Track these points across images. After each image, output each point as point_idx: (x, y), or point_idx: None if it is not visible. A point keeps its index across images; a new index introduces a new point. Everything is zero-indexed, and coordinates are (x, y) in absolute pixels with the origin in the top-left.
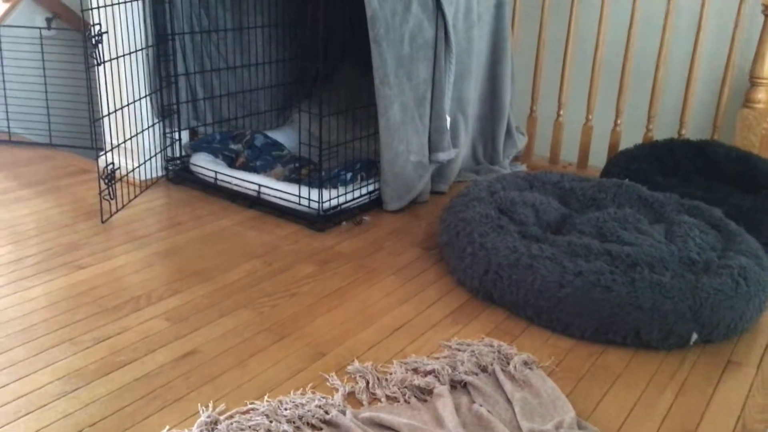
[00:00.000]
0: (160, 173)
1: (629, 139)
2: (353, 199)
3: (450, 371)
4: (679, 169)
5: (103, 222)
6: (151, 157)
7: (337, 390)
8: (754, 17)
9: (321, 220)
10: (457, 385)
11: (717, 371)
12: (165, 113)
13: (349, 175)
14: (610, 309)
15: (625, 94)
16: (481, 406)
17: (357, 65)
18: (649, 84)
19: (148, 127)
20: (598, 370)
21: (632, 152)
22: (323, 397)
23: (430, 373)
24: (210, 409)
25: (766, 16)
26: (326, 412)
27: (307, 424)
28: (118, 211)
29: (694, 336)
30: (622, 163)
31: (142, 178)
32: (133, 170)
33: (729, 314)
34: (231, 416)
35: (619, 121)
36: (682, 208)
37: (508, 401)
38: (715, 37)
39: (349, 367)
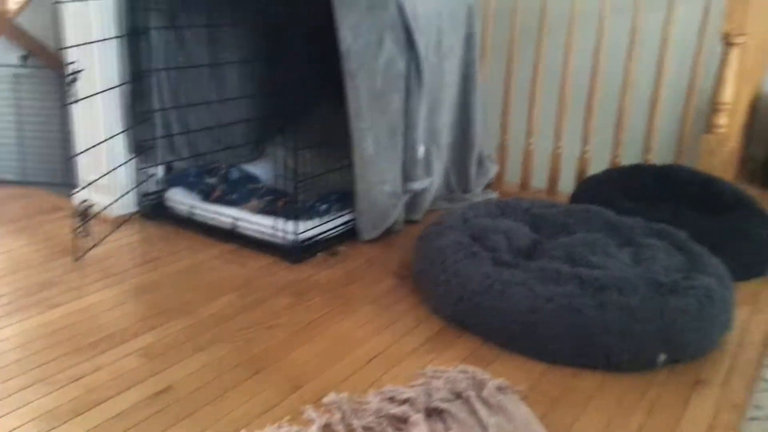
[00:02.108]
0: (134, 209)
1: (597, 165)
2: (329, 230)
3: (425, 399)
4: (646, 193)
5: (77, 259)
6: (125, 193)
7: (313, 422)
8: (715, 45)
9: (297, 252)
10: (433, 413)
11: (685, 391)
12: (140, 149)
13: (324, 207)
14: (580, 332)
15: (593, 121)
16: None
17: (331, 98)
18: (616, 111)
19: (123, 163)
20: (571, 393)
21: (600, 177)
22: (300, 430)
23: (405, 401)
24: None
25: (726, 44)
26: None
27: None
28: (92, 248)
29: (662, 357)
30: (590, 188)
31: (117, 214)
32: (107, 207)
33: (695, 335)
34: None
35: (587, 148)
36: (649, 232)
37: (483, 427)
38: (678, 64)
39: (326, 399)
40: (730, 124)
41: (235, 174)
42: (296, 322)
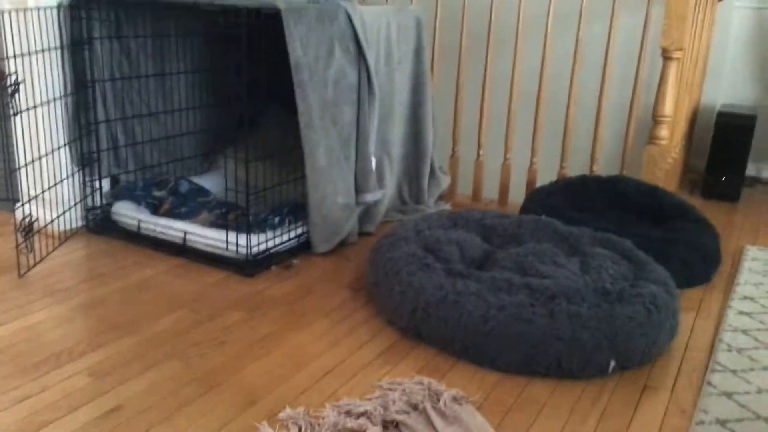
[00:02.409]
0: (80, 223)
1: (545, 176)
2: (282, 243)
3: (382, 411)
4: (592, 203)
5: (20, 276)
6: (70, 208)
7: None
8: (656, 59)
9: (250, 266)
10: (390, 425)
11: (635, 396)
12: (85, 162)
13: (277, 219)
14: (532, 341)
15: (540, 134)
16: None
17: (282, 110)
18: (562, 123)
19: (67, 177)
20: (524, 401)
21: (548, 189)
22: None
23: (362, 414)
24: None
25: (665, 59)
26: None
27: None
28: (36, 264)
29: (612, 364)
30: (538, 199)
31: (62, 229)
32: (51, 221)
33: (643, 341)
34: None
35: (535, 159)
36: (596, 241)
37: None
38: (620, 78)
39: (281, 414)
40: (671, 135)
41: (184, 187)
42: (250, 337)
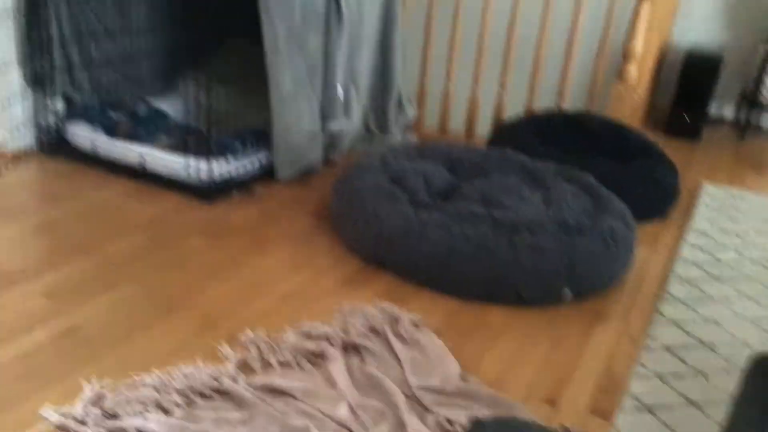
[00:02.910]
0: (32, 144)
1: (513, 111)
2: (244, 170)
3: (342, 335)
4: (558, 138)
5: None
6: (22, 128)
7: (229, 359)
8: None
9: (210, 191)
10: (350, 348)
11: (588, 324)
12: (38, 81)
13: (239, 145)
14: (493, 271)
15: (510, 68)
16: (371, 366)
17: (247, 33)
18: (531, 58)
19: (19, 96)
20: (482, 327)
21: (515, 123)
22: (215, 367)
23: (322, 337)
24: (95, 384)
25: None
26: (218, 381)
27: (199, 394)
28: None
29: (568, 293)
30: (505, 133)
31: (13, 148)
32: (2, 141)
33: (600, 272)
34: (117, 391)
35: (503, 93)
36: (560, 175)
37: (398, 360)
38: (592, 15)
39: (241, 336)
40: (639, 73)
41: (142, 109)
42: (210, 262)
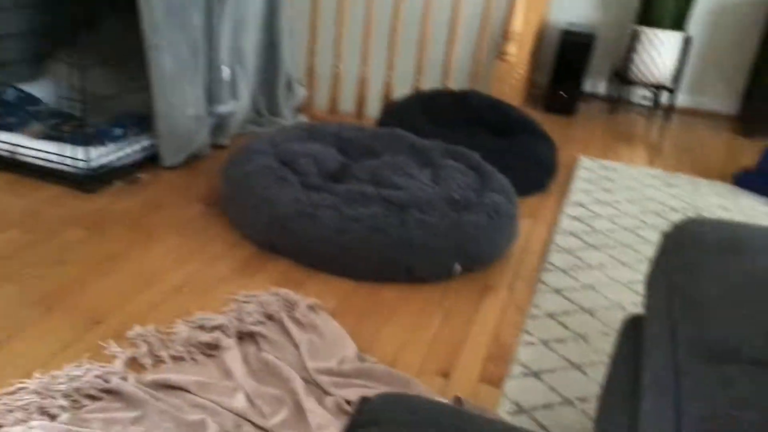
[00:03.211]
0: None
1: (401, 90)
2: (126, 156)
3: (237, 324)
4: (445, 116)
5: None
6: None
7: (117, 357)
8: None
9: (89, 181)
10: (245, 337)
11: (477, 296)
12: None
13: (119, 131)
14: (385, 250)
15: (396, 48)
16: (268, 353)
17: (124, 11)
18: (417, 38)
19: None
20: (377, 306)
21: (403, 102)
22: (102, 366)
23: (216, 328)
24: None
25: None
26: (106, 381)
27: (86, 395)
28: None
29: (457, 267)
30: (394, 112)
31: None
32: None
33: (486, 246)
34: None
35: (391, 73)
36: (447, 153)
37: (295, 345)
38: None
39: (130, 333)
40: (519, 52)
41: (11, 94)
42: (92, 256)
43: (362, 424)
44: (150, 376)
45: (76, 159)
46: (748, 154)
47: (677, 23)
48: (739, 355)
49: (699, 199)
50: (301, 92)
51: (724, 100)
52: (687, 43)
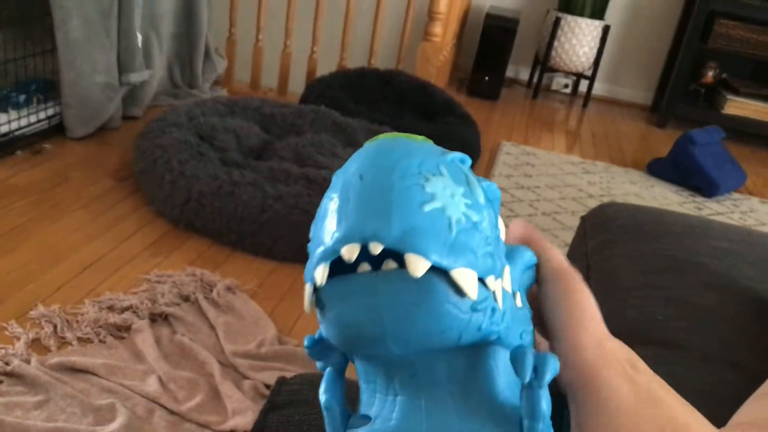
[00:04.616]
0: None
1: (325, 67)
2: (29, 125)
3: (149, 305)
4: (369, 95)
5: None
6: None
7: (18, 338)
8: None
9: None
10: (158, 318)
11: None
12: None
13: (22, 98)
14: (308, 229)
15: (321, 22)
16: (183, 335)
17: None
18: (343, 14)
19: None
20: (298, 288)
21: (327, 79)
22: (2, 348)
23: (127, 309)
24: None
25: None
26: (6, 363)
27: None
28: None
29: None
30: (318, 89)
31: None
32: None
33: None
34: None
35: (315, 49)
36: (371, 133)
37: (212, 327)
38: None
39: (32, 312)
40: (443, 33)
41: None
42: None
43: (280, 405)
44: (54, 359)
45: None
46: (661, 143)
47: (598, 11)
48: (651, 337)
49: (615, 186)
50: (220, 64)
51: (639, 91)
52: (605, 32)
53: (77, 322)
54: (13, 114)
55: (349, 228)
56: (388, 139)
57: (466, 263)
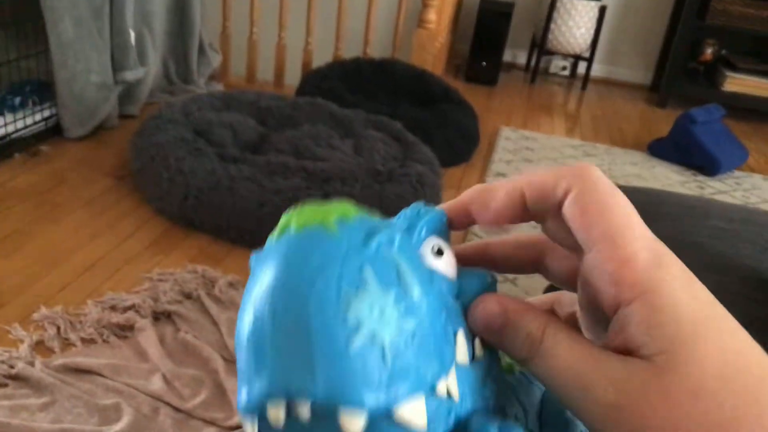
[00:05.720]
0: None
1: (321, 58)
2: (26, 127)
3: (152, 303)
4: (366, 85)
5: None
6: None
7: (22, 341)
8: None
9: None
10: (161, 317)
11: None
12: None
13: (17, 100)
14: None
15: (315, 12)
16: (186, 333)
17: None
18: (337, 3)
19: None
20: None
21: (323, 70)
22: (6, 351)
23: (130, 308)
24: None
25: None
26: (11, 367)
27: None
28: None
29: None
30: (314, 81)
31: None
32: None
33: None
34: None
35: (310, 40)
36: (369, 123)
37: (215, 324)
38: None
39: (35, 315)
40: (438, 20)
41: None
42: None
43: None
44: (59, 360)
45: None
46: (661, 123)
47: None
48: None
49: (616, 168)
50: (215, 58)
51: (638, 71)
52: (602, 12)
53: (80, 323)
54: (9, 117)
55: (271, 382)
56: (299, 237)
57: (409, 388)
